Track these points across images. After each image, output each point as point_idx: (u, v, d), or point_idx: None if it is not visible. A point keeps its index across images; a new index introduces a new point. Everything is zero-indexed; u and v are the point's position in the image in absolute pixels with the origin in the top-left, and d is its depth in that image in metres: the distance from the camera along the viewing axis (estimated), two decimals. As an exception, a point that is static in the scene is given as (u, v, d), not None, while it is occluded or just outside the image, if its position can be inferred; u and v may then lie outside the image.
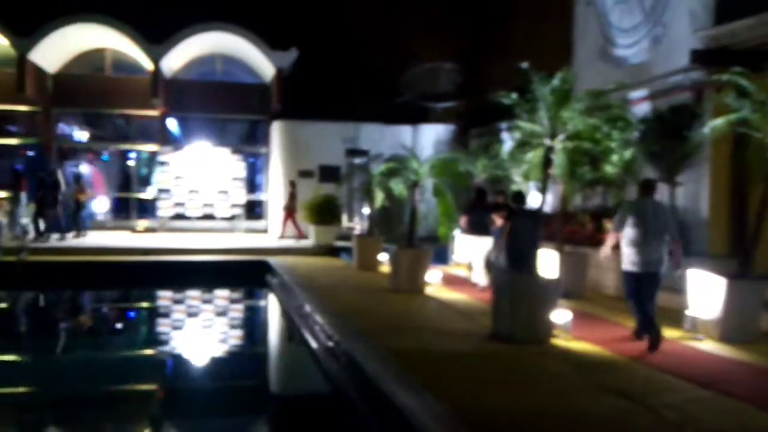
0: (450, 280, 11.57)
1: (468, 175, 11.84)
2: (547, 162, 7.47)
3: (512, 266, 7.59)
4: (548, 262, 9.55)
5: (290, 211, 17.52)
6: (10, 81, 18.16)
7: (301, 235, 17.30)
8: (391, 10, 20.45)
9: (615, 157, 9.31)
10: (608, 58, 12.72)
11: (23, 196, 16.94)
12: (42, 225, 15.87)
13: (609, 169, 9.53)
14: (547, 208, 9.57)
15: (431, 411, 4.85)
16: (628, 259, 6.96)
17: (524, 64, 7.52)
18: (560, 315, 7.31)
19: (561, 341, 7.16)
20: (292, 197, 17.65)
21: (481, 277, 10.65)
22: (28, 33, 17.88)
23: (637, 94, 11.16)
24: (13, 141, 20.32)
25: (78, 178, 17.67)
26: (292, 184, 17.93)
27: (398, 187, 11.53)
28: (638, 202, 7.15)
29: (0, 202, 16.58)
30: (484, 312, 8.54)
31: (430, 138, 18.90)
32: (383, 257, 13.42)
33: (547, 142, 7.42)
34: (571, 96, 7.51)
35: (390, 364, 6.10)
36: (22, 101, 19.07)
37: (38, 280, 13.46)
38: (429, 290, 10.54)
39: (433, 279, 10.71)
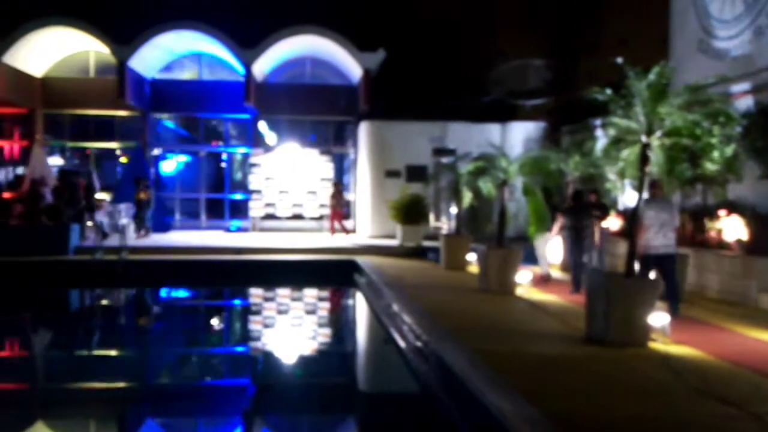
0: (541, 281, 11.32)
1: (559, 174, 11.55)
2: (643, 159, 7.18)
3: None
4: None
5: (335, 210, 18.55)
6: (110, 87, 19.21)
7: (347, 232, 18.40)
8: (478, 7, 20.24)
9: (716, 154, 8.80)
10: (708, 50, 12.12)
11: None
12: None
13: (710, 167, 9.03)
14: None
15: (524, 414, 4.76)
16: None
17: (618, 59, 7.27)
18: (658, 317, 7.01)
19: (659, 345, 6.87)
20: (334, 197, 18.60)
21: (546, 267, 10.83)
22: (127, 41, 18.85)
23: (739, 87, 10.57)
24: (113, 145, 21.44)
25: (138, 180, 18.22)
26: (335, 186, 18.92)
27: (487, 186, 11.39)
28: None
29: (101, 203, 17.53)
30: (577, 314, 8.32)
31: (519, 136, 18.58)
32: (471, 257, 13.31)
33: (644, 138, 7.13)
34: (669, 91, 7.19)
35: (481, 366, 6.02)
36: (122, 107, 20.15)
37: (137, 278, 14.12)
38: (519, 291, 10.36)
39: (523, 280, 10.51)
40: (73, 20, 18.64)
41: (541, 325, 8.14)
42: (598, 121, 12.97)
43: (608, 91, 7.51)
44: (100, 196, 18.18)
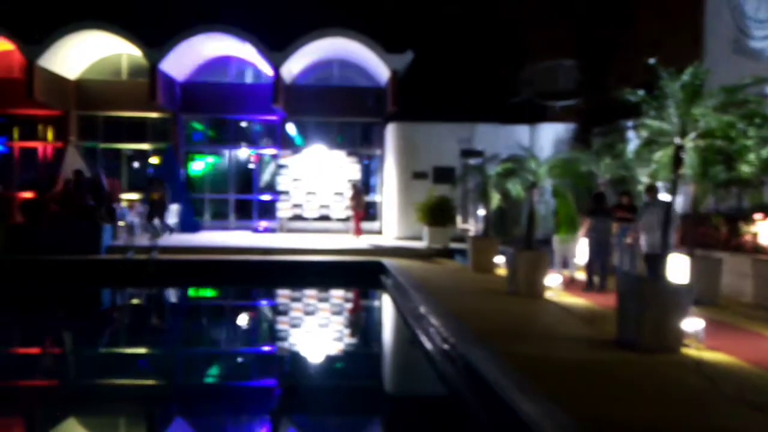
0: (570, 284, 11.20)
1: (590, 176, 11.41)
2: (676, 161, 7.05)
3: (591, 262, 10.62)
4: (678, 267, 9.06)
5: (356, 211, 18.73)
6: (142, 90, 19.51)
7: (358, 233, 18.50)
8: (507, 7, 20.11)
9: (751, 156, 8.63)
10: (743, 50, 11.90)
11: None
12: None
13: (745, 169, 8.86)
14: (677, 210, 9.07)
15: (554, 420, 4.70)
16: None
17: (651, 60, 7.16)
18: (692, 323, 6.88)
19: (692, 350, 6.74)
20: (354, 199, 18.70)
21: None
22: (158, 44, 19.11)
23: (775, 88, 10.32)
24: (144, 146, 21.75)
25: (151, 179, 18.22)
26: (354, 187, 18.96)
27: (515, 188, 11.30)
28: None
29: (133, 203, 17.78)
30: (607, 318, 8.22)
31: (548, 137, 18.41)
32: (499, 259, 13.22)
33: (677, 140, 7.00)
34: (703, 92, 7.06)
35: (509, 370, 5.97)
36: (154, 108, 20.43)
37: (167, 277, 14.36)
38: (548, 294, 10.25)
39: (553, 283, 10.40)
40: (107, 24, 18.98)
41: (571, 328, 8.04)
42: (629, 123, 12.78)
43: (641, 92, 7.40)
44: (130, 196, 18.43)
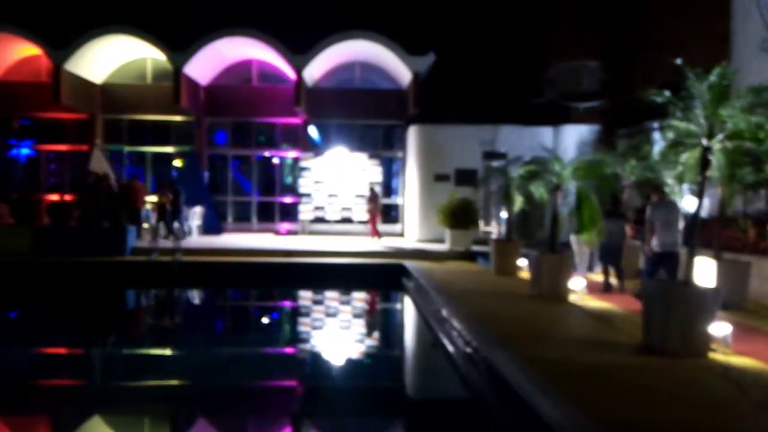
0: (595, 288, 11.08)
1: (615, 178, 11.28)
2: (704, 163, 6.94)
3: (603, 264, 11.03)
4: (705, 271, 8.93)
5: (373, 214, 18.66)
6: (167, 93, 19.71)
7: (375, 235, 18.46)
8: (530, 8, 20.00)
9: (781, 158, 8.48)
10: (772, 50, 11.69)
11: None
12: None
13: (773, 171, 8.70)
14: (704, 213, 8.96)
15: (578, 424, 4.64)
16: None
17: (677, 60, 7.05)
18: (719, 327, 6.76)
19: (720, 355, 6.63)
20: (371, 201, 18.61)
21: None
22: (182, 48, 19.31)
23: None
24: (168, 149, 21.97)
25: (162, 183, 18.25)
26: (372, 190, 18.85)
27: (539, 190, 11.20)
28: None
29: (157, 206, 17.93)
30: (632, 322, 8.12)
31: (572, 139, 18.25)
32: (522, 262, 13.13)
33: (704, 142, 6.89)
34: (731, 92, 6.93)
35: (533, 374, 5.91)
36: (178, 112, 20.63)
37: (191, 278, 14.49)
38: (572, 298, 10.15)
39: (577, 286, 10.30)
40: (132, 28, 19.22)
41: (596, 332, 7.94)
42: (655, 124, 12.62)
43: (667, 93, 7.30)
44: (154, 199, 18.60)
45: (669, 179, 9.96)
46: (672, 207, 9.29)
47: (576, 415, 4.82)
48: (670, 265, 9.15)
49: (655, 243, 9.24)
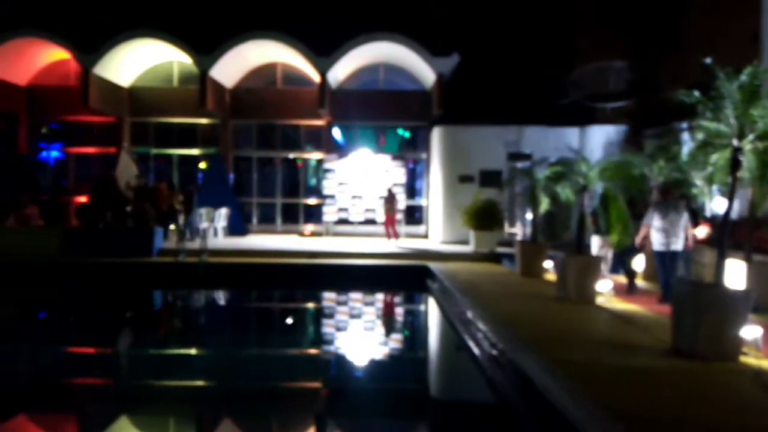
0: (621, 290, 10.97)
1: (642, 179, 11.15)
2: (734, 164, 6.83)
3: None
4: (735, 273, 8.79)
5: (389, 215, 18.65)
6: (193, 96, 19.92)
7: (391, 237, 18.41)
8: (555, 7, 19.85)
9: (813, 159, 8.31)
10: (804, 48, 11.48)
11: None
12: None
13: (806, 172, 8.52)
14: (734, 215, 8.83)
15: (607, 428, 4.60)
16: None
17: (707, 60, 6.95)
18: (750, 330, 6.65)
19: (751, 359, 6.52)
20: (388, 202, 18.60)
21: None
22: (208, 51, 19.50)
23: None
24: (195, 151, 22.19)
25: (171, 183, 18.44)
26: (389, 191, 18.81)
27: (565, 191, 11.11)
28: None
29: (184, 208, 18.16)
30: (660, 324, 8.02)
31: (598, 140, 18.08)
32: (548, 264, 13.04)
33: (735, 142, 6.78)
34: (762, 92, 6.82)
35: (561, 377, 5.86)
36: (204, 114, 20.84)
37: (217, 279, 14.63)
38: (600, 300, 10.05)
39: (604, 288, 10.19)
40: (158, 32, 19.46)
41: (624, 335, 7.85)
42: (683, 125, 12.45)
43: (696, 94, 7.20)
44: (182, 200, 18.82)
45: (698, 180, 9.84)
46: (673, 207, 9.70)
47: (607, 420, 4.77)
48: (670, 264, 9.68)
49: (658, 242, 9.68)
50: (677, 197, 10.13)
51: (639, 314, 9.18)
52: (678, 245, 9.69)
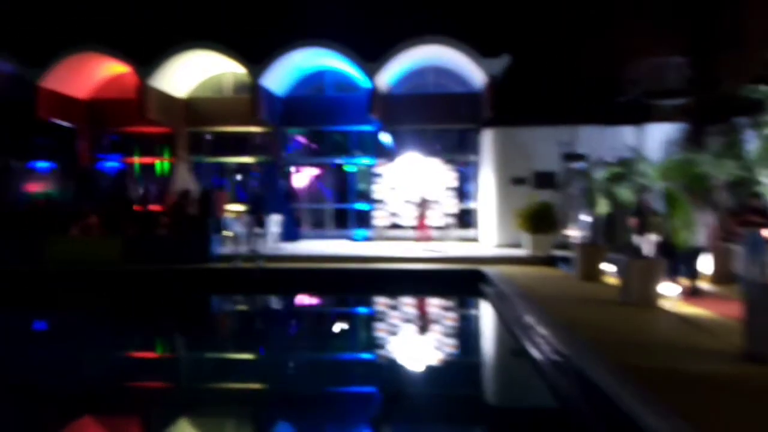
0: (686, 293, 10.64)
1: (706, 178, 10.77)
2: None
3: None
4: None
5: (422, 220, 18.62)
6: (245, 105, 20.24)
7: (426, 239, 18.27)
8: (609, 4, 19.42)
9: None
10: None
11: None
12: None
13: None
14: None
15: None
16: None
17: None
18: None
19: (831, 365, 6.24)
20: (422, 206, 18.55)
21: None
22: (259, 60, 19.78)
23: None
24: (248, 159, 22.53)
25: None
26: (422, 197, 18.78)
27: (625, 192, 10.83)
28: None
29: (239, 215, 18.44)
30: (730, 329, 7.74)
31: (657, 138, 17.52)
32: (607, 267, 12.75)
33: (808, 138, 6.50)
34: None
35: (630, 383, 5.70)
36: (256, 123, 21.13)
37: (272, 284, 14.83)
38: (664, 304, 9.77)
39: (669, 291, 9.90)
40: (212, 44, 19.86)
41: (692, 340, 7.61)
42: (746, 121, 11.98)
43: (764, 88, 6.93)
44: (237, 207, 19.12)
45: (765, 178, 9.48)
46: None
47: (683, 429, 4.61)
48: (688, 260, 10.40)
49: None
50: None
51: (705, 318, 8.88)
52: (697, 242, 10.22)
